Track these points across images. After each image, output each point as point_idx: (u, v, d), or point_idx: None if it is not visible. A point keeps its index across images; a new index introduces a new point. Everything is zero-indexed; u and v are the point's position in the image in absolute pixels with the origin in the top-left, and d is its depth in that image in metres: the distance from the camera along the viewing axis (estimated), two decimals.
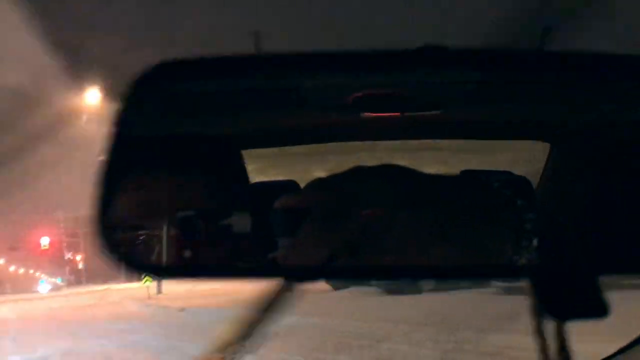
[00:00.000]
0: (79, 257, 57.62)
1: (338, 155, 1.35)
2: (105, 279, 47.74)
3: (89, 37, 8.21)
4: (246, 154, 1.17)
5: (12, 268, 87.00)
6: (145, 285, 25.69)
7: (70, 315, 17.64)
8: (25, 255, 62.52)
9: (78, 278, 59.43)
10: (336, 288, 13.68)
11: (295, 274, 0.85)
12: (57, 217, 50.52)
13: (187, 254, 0.89)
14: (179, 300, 18.79)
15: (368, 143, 1.35)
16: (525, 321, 0.84)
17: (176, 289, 24.75)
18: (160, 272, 1.06)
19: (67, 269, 62.67)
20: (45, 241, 46.44)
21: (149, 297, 22.48)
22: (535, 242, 0.75)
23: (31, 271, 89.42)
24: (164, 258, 0.90)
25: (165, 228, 0.91)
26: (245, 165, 1.14)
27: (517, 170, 1.05)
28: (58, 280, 74.11)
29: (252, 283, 0.89)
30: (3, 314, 20.32)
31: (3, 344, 10.91)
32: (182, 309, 14.99)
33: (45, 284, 65.51)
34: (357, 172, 0.78)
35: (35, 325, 15.18)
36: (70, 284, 62.56)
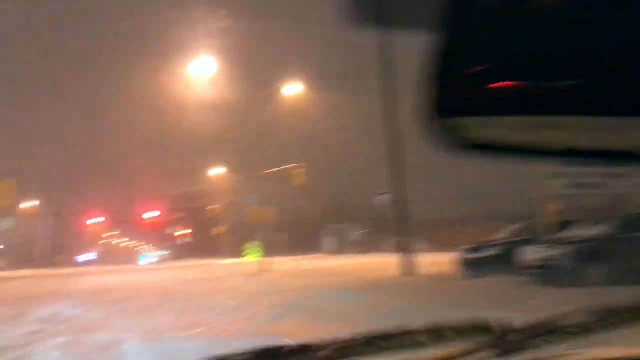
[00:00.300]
0: (182, 233, 59.37)
1: None
2: (208, 255, 48.76)
3: None
4: None
5: (118, 241, 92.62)
6: (252, 261, 25.28)
7: (176, 287, 17.11)
8: (132, 229, 65.52)
9: (180, 253, 61.21)
10: None
11: None
12: (163, 193, 51.94)
13: None
14: (286, 277, 18.06)
15: None
16: None
17: (282, 267, 24.16)
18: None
19: (170, 243, 64.68)
20: (151, 215, 47.67)
21: (258, 272, 21.86)
22: None
23: (135, 244, 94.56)
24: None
25: None
26: None
27: None
28: (160, 254, 77.30)
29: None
30: (112, 284, 20.62)
31: (113, 313, 10.70)
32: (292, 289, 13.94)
33: (148, 257, 68.19)
34: None
35: (143, 294, 15.03)
36: (171, 258, 64.70)
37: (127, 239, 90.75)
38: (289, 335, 5.46)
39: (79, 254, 78.78)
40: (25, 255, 66.36)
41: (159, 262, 58.04)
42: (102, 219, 53.05)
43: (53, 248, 78.47)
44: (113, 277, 25.87)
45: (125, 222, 58.83)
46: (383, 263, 22.58)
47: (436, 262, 17.39)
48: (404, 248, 16.64)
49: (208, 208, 43.52)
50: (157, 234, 60.11)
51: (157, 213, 48.56)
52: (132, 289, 17.33)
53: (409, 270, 16.13)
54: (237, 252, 47.20)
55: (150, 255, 72.67)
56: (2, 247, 52.74)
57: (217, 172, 47.53)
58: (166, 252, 74.40)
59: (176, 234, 59.88)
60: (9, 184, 22.76)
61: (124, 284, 20.02)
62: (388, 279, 15.13)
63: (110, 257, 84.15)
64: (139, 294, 14.88)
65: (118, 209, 59.27)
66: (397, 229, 17.00)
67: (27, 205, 61.51)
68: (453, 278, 14.06)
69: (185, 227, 59.24)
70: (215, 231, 47.34)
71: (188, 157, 53.57)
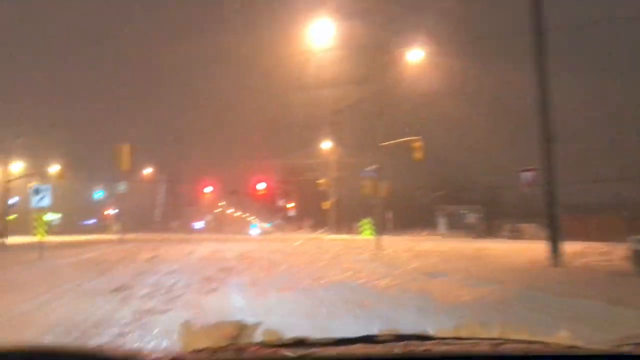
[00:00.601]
0: (291, 205, 59.21)
1: None
2: (317, 229, 48.07)
3: None
4: None
5: (230, 211, 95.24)
6: (365, 238, 23.66)
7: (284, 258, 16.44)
8: (242, 200, 66.56)
9: (288, 225, 61.29)
10: None
11: None
12: (273, 164, 51.54)
13: None
14: (403, 256, 16.15)
15: None
16: None
17: (398, 246, 22.27)
18: None
19: (279, 215, 64.98)
20: (261, 186, 47.48)
21: (375, 250, 20.09)
22: None
23: (246, 215, 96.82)
24: None
25: None
26: None
27: None
28: (267, 225, 78.23)
29: None
30: (237, 250, 20.93)
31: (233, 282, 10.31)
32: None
33: (256, 227, 68.92)
34: None
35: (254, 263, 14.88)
36: (278, 230, 64.99)
37: (237, 210, 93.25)
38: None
39: (194, 221, 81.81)
40: (140, 220, 69.72)
41: (266, 233, 58.35)
42: (211, 189, 53.78)
43: (168, 214, 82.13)
44: (233, 244, 26.38)
45: (236, 192, 59.43)
46: (506, 249, 20.09)
47: (575, 251, 14.98)
48: (553, 234, 14.00)
49: (318, 181, 42.30)
50: (266, 206, 60.36)
51: (264, 185, 48.27)
52: (262, 255, 17.63)
53: (556, 260, 13.56)
54: (347, 227, 45.95)
55: (258, 226, 73.72)
56: (116, 210, 55.08)
57: (328, 145, 46.28)
58: (271, 224, 75.35)
59: (288, 205, 59.69)
60: (125, 148, 22.48)
61: (250, 250, 20.15)
62: (539, 269, 12.72)
63: (223, 225, 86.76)
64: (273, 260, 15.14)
65: (231, 179, 60.23)
66: (547, 211, 14.33)
67: (145, 171, 64.16)
68: (625, 274, 11.32)
69: (294, 200, 58.94)
70: (324, 205, 46.16)
71: (301, 129, 52.96)
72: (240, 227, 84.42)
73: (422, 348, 1.35)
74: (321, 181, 41.72)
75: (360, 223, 40.48)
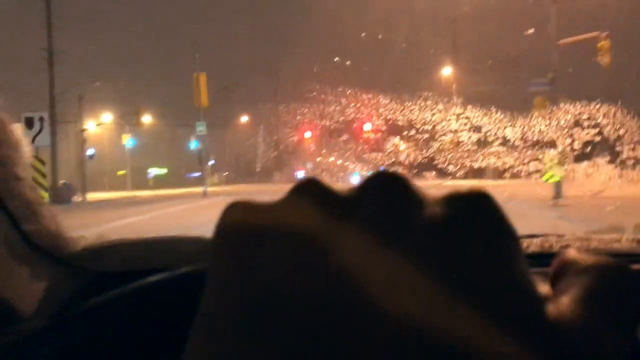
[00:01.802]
0: (402, 147, 52.44)
1: None
2: (441, 175, 41.17)
3: None
4: None
5: (333, 158, 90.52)
6: (548, 182, 17.36)
7: None
8: (347, 143, 60.96)
9: (403, 171, 54.79)
10: None
11: None
12: (381, 100, 45.05)
13: None
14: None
15: None
16: None
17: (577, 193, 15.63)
18: None
19: (387, 161, 58.66)
20: (368, 127, 41.40)
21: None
22: None
23: (349, 163, 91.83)
24: None
25: None
26: None
27: None
28: (369, 173, 72.56)
29: None
30: None
31: None
32: None
33: (358, 175, 63.44)
34: None
35: None
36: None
37: (339, 156, 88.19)
38: None
39: (296, 170, 77.67)
40: (239, 170, 66.32)
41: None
42: (310, 134, 48.60)
43: (269, 164, 78.59)
44: None
45: (337, 135, 53.94)
46: None
47: None
48: None
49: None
50: (375, 148, 54.23)
51: (370, 126, 42.13)
52: None
53: None
54: (474, 171, 38.64)
55: (359, 174, 68.13)
56: (212, 162, 51.42)
57: (447, 71, 38.73)
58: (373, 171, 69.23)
59: (401, 147, 53.09)
60: (202, 77, 17.32)
61: None
62: None
63: (326, 174, 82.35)
64: None
65: (334, 120, 54.62)
66: None
67: (241, 119, 59.98)
68: None
69: (408, 141, 52.30)
70: (443, 145, 38.90)
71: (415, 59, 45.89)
72: (345, 175, 79.36)
73: (559, 244, 1.31)
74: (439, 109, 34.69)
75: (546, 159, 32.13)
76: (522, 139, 17.72)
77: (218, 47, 66.70)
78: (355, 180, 57.75)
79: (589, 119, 14.74)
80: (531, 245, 1.29)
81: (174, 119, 47.22)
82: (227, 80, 56.17)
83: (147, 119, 45.93)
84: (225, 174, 55.66)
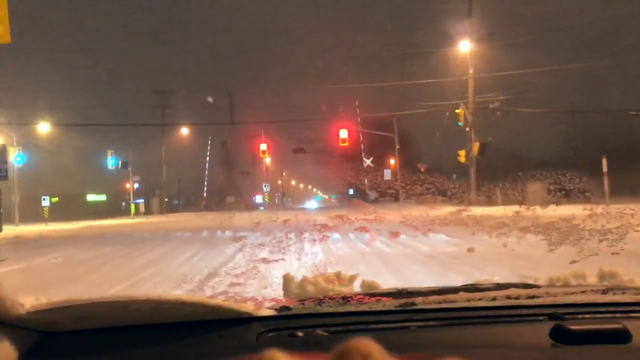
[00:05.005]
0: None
1: None
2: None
3: None
4: None
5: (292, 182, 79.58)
6: None
7: None
8: (314, 159, 49.88)
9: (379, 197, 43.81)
10: None
11: None
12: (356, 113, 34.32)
13: None
14: None
15: None
16: None
17: None
18: None
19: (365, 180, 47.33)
20: (344, 134, 30.58)
21: None
22: None
23: (309, 187, 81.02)
24: None
25: None
26: None
27: None
28: (334, 197, 63.40)
29: None
30: None
31: None
32: None
33: (319, 201, 53.86)
34: None
35: None
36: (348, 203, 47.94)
37: (301, 178, 77.40)
38: None
39: (254, 194, 65.61)
40: (182, 194, 54.44)
41: (328, 208, 42.23)
42: (265, 146, 37.44)
43: (220, 187, 66.03)
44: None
45: (302, 151, 43.03)
46: None
47: None
48: None
49: (457, 111, 24.93)
50: (350, 164, 43.08)
51: (346, 133, 31.45)
52: None
53: None
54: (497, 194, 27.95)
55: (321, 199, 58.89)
56: (136, 185, 39.81)
57: (465, 46, 28.19)
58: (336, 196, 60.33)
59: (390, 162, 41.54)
60: None
61: None
62: None
63: (287, 198, 71.33)
64: None
65: (296, 137, 43.85)
66: None
67: (184, 131, 48.34)
68: None
69: (393, 155, 41.08)
70: (462, 156, 27.66)
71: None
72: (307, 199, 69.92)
73: (525, 295, 1.33)
74: (459, 111, 24.06)
75: None
76: None
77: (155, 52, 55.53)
78: (312, 205, 45.49)
79: None
80: (497, 296, 1.34)
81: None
82: (161, 85, 44.74)
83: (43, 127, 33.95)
84: (156, 200, 43.59)
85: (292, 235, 12.62)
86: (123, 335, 1.00)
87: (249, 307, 1.17)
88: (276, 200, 66.44)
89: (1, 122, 30.64)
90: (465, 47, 27.24)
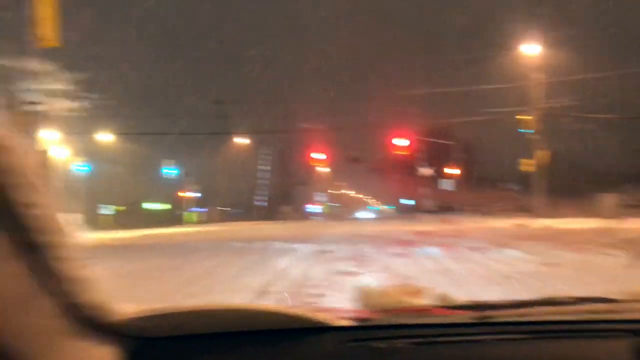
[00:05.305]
0: (452, 172, 39.33)
1: None
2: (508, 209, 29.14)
3: None
4: None
5: (348, 191, 78.85)
6: None
7: None
8: (368, 168, 49.11)
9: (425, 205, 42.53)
10: None
11: None
12: (413, 120, 33.41)
13: None
14: None
15: None
16: None
17: None
18: None
19: (420, 190, 46.00)
20: (400, 143, 29.80)
21: None
22: None
23: (362, 195, 79.91)
24: None
25: None
26: None
27: None
28: (390, 207, 62.34)
29: None
30: None
31: None
32: None
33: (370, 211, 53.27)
34: None
35: None
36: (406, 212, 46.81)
37: (355, 187, 76.46)
38: None
39: (308, 203, 65.04)
40: (235, 203, 54.49)
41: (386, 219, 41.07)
42: (324, 156, 36.92)
43: (274, 196, 65.55)
44: None
45: (358, 160, 42.48)
46: None
47: None
48: None
49: (522, 117, 23.61)
50: (406, 171, 41.67)
51: (407, 142, 30.62)
52: None
53: None
54: (568, 206, 25.57)
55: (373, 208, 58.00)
56: (198, 194, 39.91)
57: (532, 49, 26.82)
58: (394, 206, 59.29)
59: (448, 171, 39.83)
60: None
61: None
62: None
63: (343, 209, 70.49)
64: None
65: (351, 145, 43.24)
66: None
67: (239, 141, 48.58)
68: None
69: (455, 164, 39.58)
70: (525, 165, 26.04)
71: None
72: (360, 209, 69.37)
73: (605, 310, 1.33)
74: (527, 118, 22.76)
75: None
76: None
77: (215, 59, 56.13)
78: (363, 215, 45.62)
79: None
80: (580, 310, 1.34)
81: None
82: (220, 94, 45.10)
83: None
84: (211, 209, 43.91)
85: (366, 249, 12.34)
86: (212, 341, 1.09)
87: (327, 317, 1.20)
88: (330, 210, 66.01)
89: (69, 132, 31.51)
90: (530, 50, 26.05)
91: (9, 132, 0.62)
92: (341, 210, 67.84)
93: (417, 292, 1.43)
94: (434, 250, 12.08)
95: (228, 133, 44.58)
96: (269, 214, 54.51)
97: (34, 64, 22.23)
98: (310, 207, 64.56)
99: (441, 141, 35.34)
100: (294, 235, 18.47)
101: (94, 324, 0.85)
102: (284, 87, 59.14)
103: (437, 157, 39.56)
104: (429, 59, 46.48)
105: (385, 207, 74.06)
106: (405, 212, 48.29)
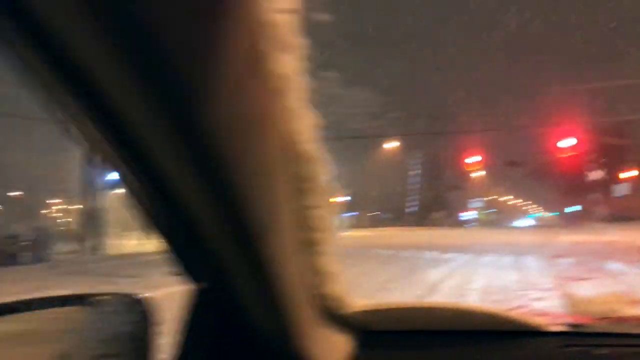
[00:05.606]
0: (627, 175, 35.09)
1: None
2: None
3: None
4: None
5: (505, 198, 74.32)
6: None
7: None
8: (526, 173, 45.80)
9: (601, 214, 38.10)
10: None
11: None
12: (585, 118, 30.12)
13: None
14: None
15: None
16: None
17: None
18: None
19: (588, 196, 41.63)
20: (569, 143, 27.04)
21: None
22: None
23: (519, 202, 75.06)
24: None
25: None
26: None
27: None
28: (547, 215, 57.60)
29: None
30: None
31: None
32: None
33: (532, 219, 49.48)
34: None
35: None
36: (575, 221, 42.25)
37: (512, 192, 71.87)
38: None
39: (461, 210, 62.52)
40: (386, 210, 53.59)
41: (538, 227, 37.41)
42: (479, 158, 34.86)
43: (425, 201, 63.47)
44: None
45: (521, 163, 39.68)
46: None
47: None
48: None
49: None
50: (572, 177, 37.72)
51: (574, 141, 27.74)
52: None
53: None
54: None
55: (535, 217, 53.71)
56: (347, 198, 39.72)
57: None
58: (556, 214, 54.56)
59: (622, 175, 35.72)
60: None
61: None
62: None
63: (500, 215, 66.72)
64: None
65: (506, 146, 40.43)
66: None
67: (389, 144, 47.85)
68: None
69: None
70: None
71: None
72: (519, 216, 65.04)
73: None
74: None
75: None
76: None
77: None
78: (522, 224, 42.23)
79: None
80: None
81: None
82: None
83: None
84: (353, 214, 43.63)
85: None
86: (429, 338, 1.12)
87: (541, 321, 1.21)
88: (486, 217, 62.85)
89: None
90: None
91: (315, 140, 0.66)
92: (498, 217, 64.25)
93: (634, 302, 1.37)
94: None
95: (379, 136, 44.13)
96: (420, 219, 53.02)
97: None
98: (464, 214, 62.01)
99: (614, 140, 31.54)
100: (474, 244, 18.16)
101: (332, 314, 0.89)
102: (436, 86, 57.17)
103: (609, 158, 35.51)
104: (594, 48, 41.96)
105: (547, 214, 68.74)
106: (571, 220, 44.07)
